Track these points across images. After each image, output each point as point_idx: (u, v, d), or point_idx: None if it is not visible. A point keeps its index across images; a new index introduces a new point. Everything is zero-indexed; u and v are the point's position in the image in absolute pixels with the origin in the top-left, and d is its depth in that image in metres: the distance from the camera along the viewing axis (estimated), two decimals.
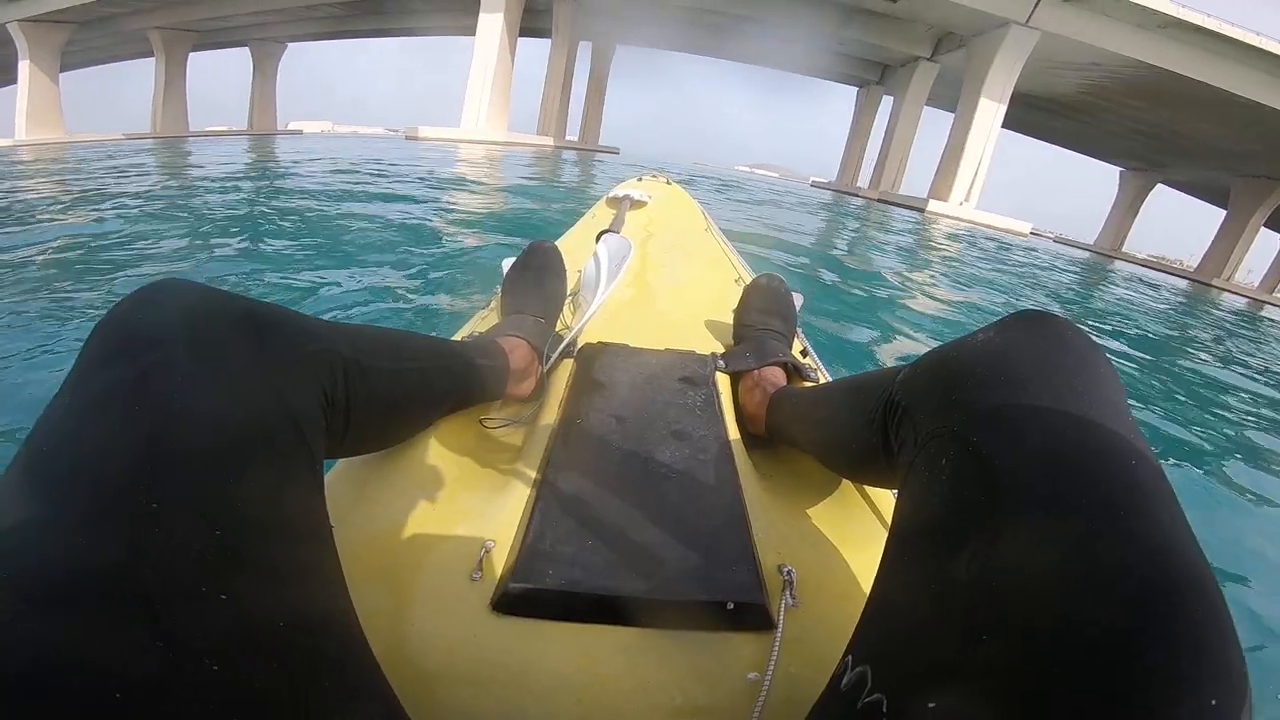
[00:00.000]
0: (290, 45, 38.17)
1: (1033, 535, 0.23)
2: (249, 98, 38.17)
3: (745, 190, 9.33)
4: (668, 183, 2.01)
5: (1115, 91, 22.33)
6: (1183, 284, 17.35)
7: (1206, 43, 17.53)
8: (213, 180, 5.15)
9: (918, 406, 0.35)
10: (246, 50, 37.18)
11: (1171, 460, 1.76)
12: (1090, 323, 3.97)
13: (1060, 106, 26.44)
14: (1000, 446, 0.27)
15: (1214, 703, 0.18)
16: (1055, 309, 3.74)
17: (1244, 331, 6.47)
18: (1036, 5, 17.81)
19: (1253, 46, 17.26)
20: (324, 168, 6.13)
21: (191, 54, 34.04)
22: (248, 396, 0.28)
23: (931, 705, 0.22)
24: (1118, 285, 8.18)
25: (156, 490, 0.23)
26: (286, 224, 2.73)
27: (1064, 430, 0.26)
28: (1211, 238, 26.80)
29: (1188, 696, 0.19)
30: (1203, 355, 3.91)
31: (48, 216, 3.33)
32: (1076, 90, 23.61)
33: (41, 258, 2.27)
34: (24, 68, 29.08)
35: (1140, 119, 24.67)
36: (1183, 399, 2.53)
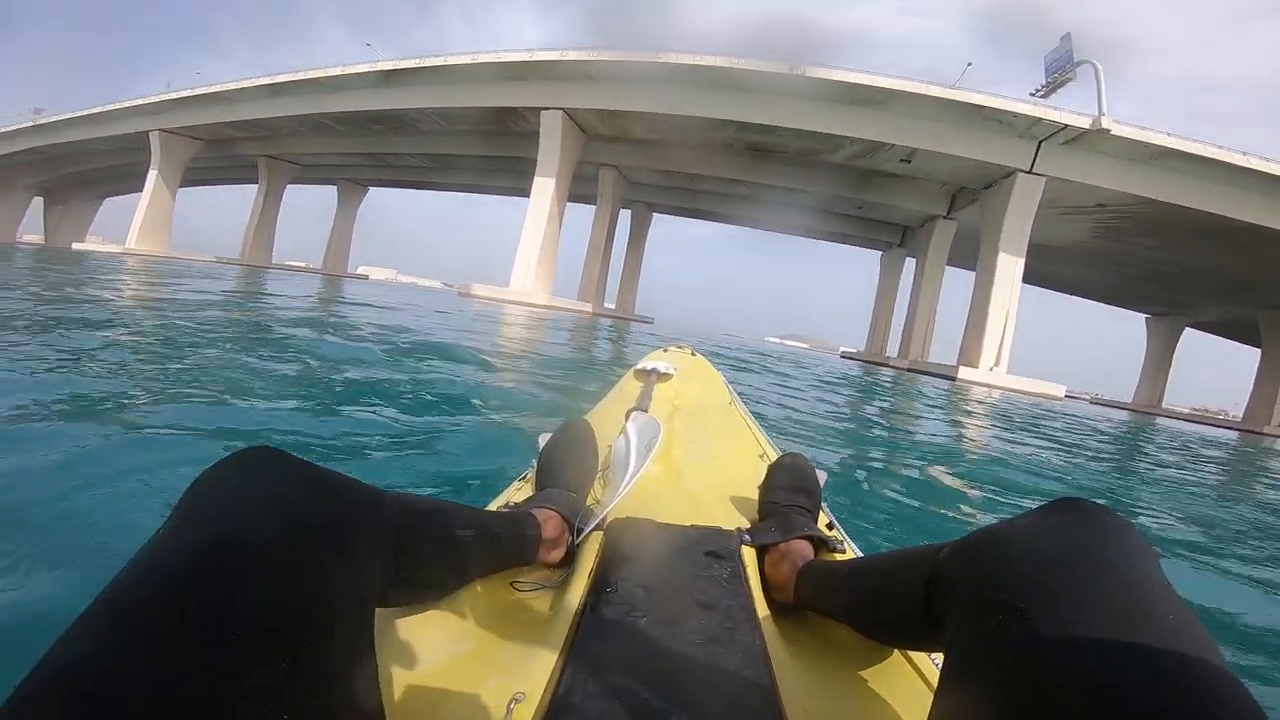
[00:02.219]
0: (371, 189, 43.18)
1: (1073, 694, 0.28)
2: (328, 234, 42.51)
3: (778, 365, 9.48)
4: (692, 354, 2.00)
5: (1126, 232, 23.01)
6: (1232, 435, 16.20)
7: (1196, 168, 18.20)
8: (282, 314, 5.79)
9: (963, 578, 0.39)
10: (331, 189, 41.82)
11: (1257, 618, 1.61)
12: (1145, 493, 3.74)
13: (1076, 255, 27.26)
14: (1046, 623, 0.31)
15: None
16: (1097, 478, 3.48)
17: None
18: (1038, 152, 19.11)
19: (1239, 166, 17.73)
20: (385, 318, 6.65)
21: (288, 187, 37.76)
22: (329, 580, 0.32)
23: None
24: (1161, 446, 7.77)
25: (232, 633, 0.26)
26: (343, 373, 2.90)
27: (1103, 606, 0.31)
28: (1252, 381, 25.75)
29: None
30: (1265, 509, 3.63)
31: (125, 320, 3.92)
32: (1090, 235, 24.44)
33: (103, 356, 2.61)
34: (151, 177, 31.90)
35: (1154, 258, 25.19)
36: (1255, 550, 2.35)
